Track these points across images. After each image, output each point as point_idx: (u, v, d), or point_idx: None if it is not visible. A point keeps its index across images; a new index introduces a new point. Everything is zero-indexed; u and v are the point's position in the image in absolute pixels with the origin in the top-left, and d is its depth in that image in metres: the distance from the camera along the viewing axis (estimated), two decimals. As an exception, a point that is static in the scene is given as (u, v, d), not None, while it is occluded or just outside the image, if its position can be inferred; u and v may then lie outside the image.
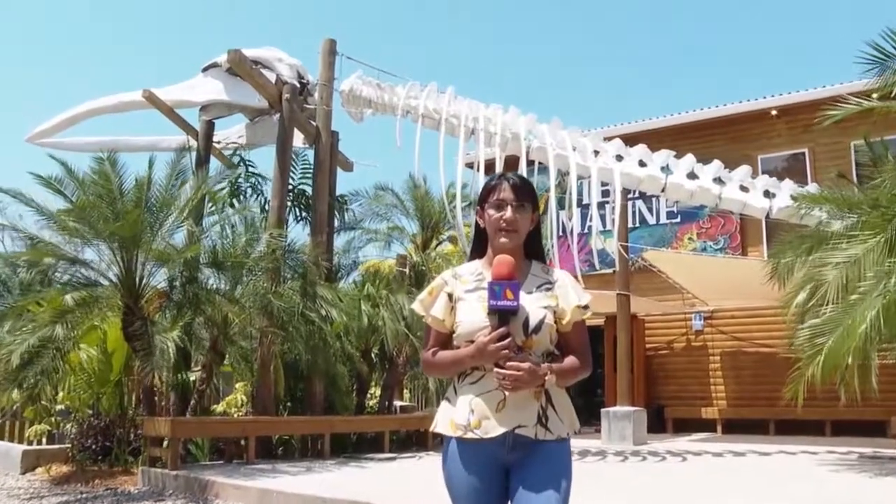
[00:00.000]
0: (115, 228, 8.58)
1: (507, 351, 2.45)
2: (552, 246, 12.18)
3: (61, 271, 9.49)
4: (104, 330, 10.68)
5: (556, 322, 2.61)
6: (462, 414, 2.56)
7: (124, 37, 54.96)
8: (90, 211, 8.78)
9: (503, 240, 2.63)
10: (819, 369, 7.34)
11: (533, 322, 2.54)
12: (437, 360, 2.66)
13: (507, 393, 2.50)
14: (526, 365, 2.43)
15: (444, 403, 2.69)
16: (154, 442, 9.67)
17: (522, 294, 2.57)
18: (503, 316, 2.48)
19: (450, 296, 2.68)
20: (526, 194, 2.68)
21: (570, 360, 2.61)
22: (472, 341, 2.52)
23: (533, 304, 2.58)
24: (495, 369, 2.44)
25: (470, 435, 2.53)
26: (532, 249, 2.77)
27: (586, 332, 2.73)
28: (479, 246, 2.78)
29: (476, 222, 2.79)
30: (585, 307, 2.66)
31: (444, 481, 2.64)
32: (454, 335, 2.64)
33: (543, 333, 2.55)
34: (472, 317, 2.57)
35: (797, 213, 10.57)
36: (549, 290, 2.66)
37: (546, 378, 2.48)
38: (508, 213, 2.62)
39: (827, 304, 7.74)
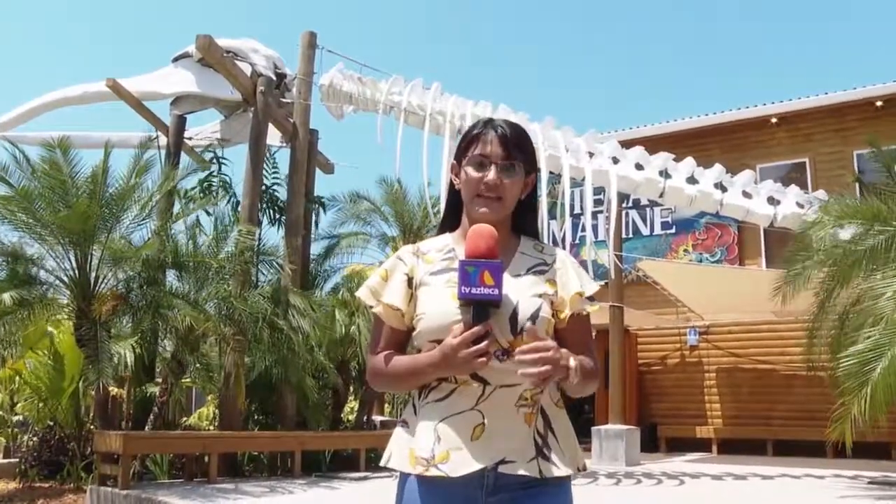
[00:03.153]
0: (61, 220, 7.77)
1: (484, 358, 1.71)
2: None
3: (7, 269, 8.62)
4: (57, 334, 9.92)
5: (553, 315, 1.88)
6: (424, 443, 1.82)
7: (92, 29, 54.02)
8: (37, 200, 7.97)
9: (482, 210, 1.90)
10: (867, 403, 6.48)
11: (524, 315, 1.81)
12: (390, 369, 1.91)
13: (485, 413, 1.77)
14: (552, 342, 1.72)
15: (398, 429, 1.95)
16: (106, 458, 8.83)
17: (510, 278, 1.84)
18: (481, 308, 1.74)
19: (409, 279, 1.94)
20: (519, 150, 1.93)
21: (586, 359, 1.86)
22: (441, 341, 1.78)
23: (523, 292, 1.85)
24: (519, 359, 1.69)
25: (434, 472, 1.78)
26: (522, 222, 2.03)
27: (591, 332, 1.99)
28: (452, 215, 2.04)
29: (450, 182, 2.04)
30: (591, 298, 1.93)
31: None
32: (414, 333, 1.90)
33: (538, 331, 1.81)
34: (440, 308, 1.84)
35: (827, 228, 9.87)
36: (544, 272, 1.93)
37: (572, 366, 1.73)
38: (492, 174, 1.89)
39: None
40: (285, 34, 52.55)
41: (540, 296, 1.86)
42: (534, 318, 1.81)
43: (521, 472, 1.78)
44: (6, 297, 7.55)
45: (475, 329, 1.72)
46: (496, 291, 1.74)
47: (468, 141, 1.97)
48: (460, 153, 1.98)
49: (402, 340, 1.95)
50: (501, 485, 1.79)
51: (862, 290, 7.62)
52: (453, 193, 2.03)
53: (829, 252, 8.48)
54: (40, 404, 10.92)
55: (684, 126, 16.64)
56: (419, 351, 1.89)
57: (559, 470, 1.81)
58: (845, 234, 9.21)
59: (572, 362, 1.74)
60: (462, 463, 1.77)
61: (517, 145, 1.94)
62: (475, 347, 1.71)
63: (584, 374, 1.80)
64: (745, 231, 15.47)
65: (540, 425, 1.83)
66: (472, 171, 1.92)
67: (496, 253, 1.79)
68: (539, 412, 1.84)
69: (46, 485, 9.49)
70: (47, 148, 8.51)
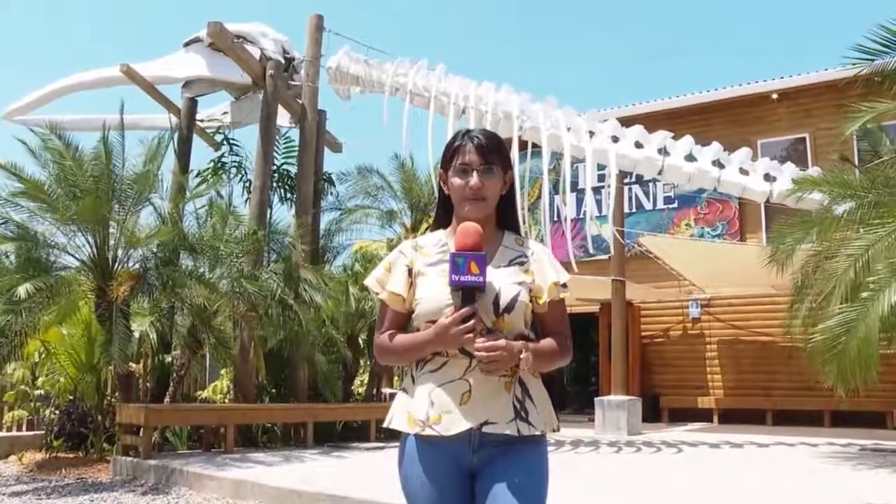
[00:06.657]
0: (77, 212, 8.11)
1: (472, 334, 2.06)
2: (546, 232, 11.82)
3: (22, 254, 8.96)
4: (86, 312, 10.27)
5: (531, 301, 2.23)
6: (420, 407, 2.17)
7: (102, 12, 54.08)
8: (51, 187, 8.29)
9: (469, 208, 2.24)
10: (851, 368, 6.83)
11: (505, 299, 2.16)
12: (394, 345, 2.26)
13: (471, 382, 2.13)
14: (502, 342, 2.06)
15: (400, 394, 2.31)
16: (128, 430, 9.27)
17: (493, 269, 2.19)
18: (468, 293, 2.09)
19: (409, 270, 2.29)
20: (494, 154, 2.27)
21: (547, 342, 2.23)
22: (435, 322, 2.13)
23: (505, 280, 2.20)
24: (477, 345, 2.05)
25: (429, 431, 2.14)
26: (505, 218, 2.38)
27: (566, 314, 2.34)
28: (444, 215, 2.39)
29: (439, 187, 2.39)
30: (564, 285, 2.28)
31: (400, 486, 2.27)
32: (413, 315, 2.25)
33: (517, 313, 2.16)
34: (435, 294, 2.18)
35: (798, 197, 10.19)
36: (523, 264, 2.28)
37: (522, 357, 2.09)
38: (474, 178, 2.23)
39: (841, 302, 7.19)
40: (291, 16, 52.53)
41: (519, 283, 2.21)
42: (513, 301, 2.16)
43: (502, 431, 2.12)
44: (22, 289, 7.84)
45: (463, 311, 2.07)
46: (481, 279, 2.09)
47: (451, 152, 2.31)
48: (446, 163, 2.33)
49: (403, 322, 2.29)
50: (485, 442, 2.14)
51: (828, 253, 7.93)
52: (443, 196, 2.38)
53: (810, 222, 8.78)
54: (61, 379, 11.32)
55: (686, 102, 16.85)
56: (418, 330, 2.23)
57: (534, 429, 2.16)
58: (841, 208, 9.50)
59: (523, 355, 2.09)
60: (452, 424, 2.12)
61: (493, 150, 2.28)
62: (464, 326, 2.05)
63: (542, 357, 2.17)
64: (745, 206, 15.70)
65: (518, 392, 2.17)
66: (457, 179, 2.26)
67: (481, 246, 2.13)
68: (517, 381, 2.18)
69: (71, 455, 9.91)
70: (49, 132, 8.82)
